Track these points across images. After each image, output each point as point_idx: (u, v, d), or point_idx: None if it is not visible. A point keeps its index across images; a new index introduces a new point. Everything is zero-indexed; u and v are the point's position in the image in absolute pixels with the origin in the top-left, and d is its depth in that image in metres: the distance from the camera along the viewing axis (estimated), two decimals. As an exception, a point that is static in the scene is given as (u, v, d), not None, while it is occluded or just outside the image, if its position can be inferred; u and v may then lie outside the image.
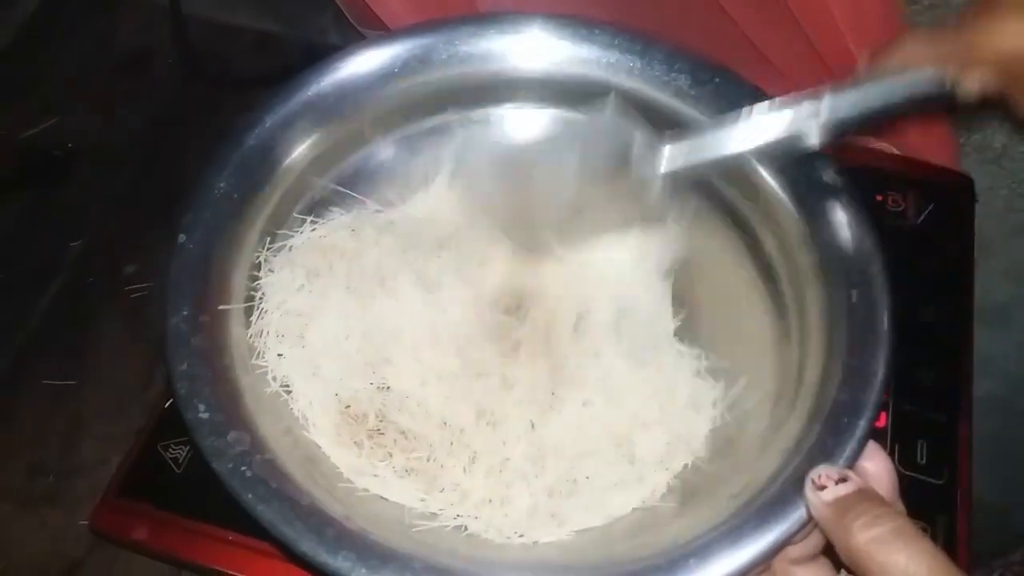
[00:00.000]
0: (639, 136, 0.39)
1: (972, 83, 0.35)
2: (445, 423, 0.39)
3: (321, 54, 0.43)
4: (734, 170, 0.42)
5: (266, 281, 0.41)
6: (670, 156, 0.39)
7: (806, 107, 0.37)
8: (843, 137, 0.37)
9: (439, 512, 0.37)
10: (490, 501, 0.37)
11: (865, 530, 0.28)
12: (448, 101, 0.46)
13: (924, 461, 0.44)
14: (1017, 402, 0.77)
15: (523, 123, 0.47)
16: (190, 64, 0.66)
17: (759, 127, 0.38)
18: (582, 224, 0.43)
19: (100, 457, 0.50)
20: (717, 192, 0.44)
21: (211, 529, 0.42)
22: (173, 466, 0.44)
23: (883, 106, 0.36)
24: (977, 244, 0.53)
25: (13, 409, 0.52)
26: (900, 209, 0.52)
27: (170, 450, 0.44)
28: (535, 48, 0.44)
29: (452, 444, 0.38)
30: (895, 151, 0.56)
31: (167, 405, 0.45)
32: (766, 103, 0.38)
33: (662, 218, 0.43)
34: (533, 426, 0.39)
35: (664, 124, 0.43)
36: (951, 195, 0.54)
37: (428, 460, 0.38)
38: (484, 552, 0.35)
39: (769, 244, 0.42)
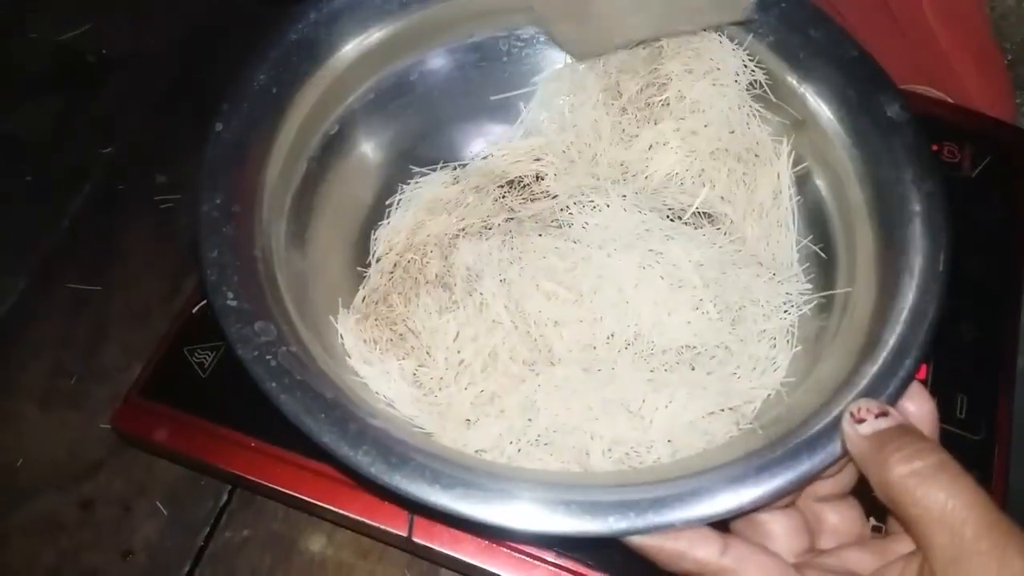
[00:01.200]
0: None
1: None
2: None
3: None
4: (791, 98, 0.41)
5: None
6: None
7: None
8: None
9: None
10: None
11: (904, 463, 0.27)
12: (497, 15, 0.44)
13: (963, 416, 0.43)
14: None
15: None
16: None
17: None
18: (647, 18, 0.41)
19: (122, 363, 0.50)
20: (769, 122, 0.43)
21: (233, 434, 0.41)
22: (199, 370, 0.43)
23: None
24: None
25: (38, 312, 0.51)
26: (956, 160, 0.51)
27: (196, 354, 0.44)
28: None
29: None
30: (951, 101, 0.54)
31: (195, 310, 0.45)
32: None
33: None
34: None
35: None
36: (1009, 150, 0.52)
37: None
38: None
39: (820, 177, 0.41)
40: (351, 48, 0.42)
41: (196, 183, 0.36)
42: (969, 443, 0.42)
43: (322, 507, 0.40)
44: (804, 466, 0.30)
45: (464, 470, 0.30)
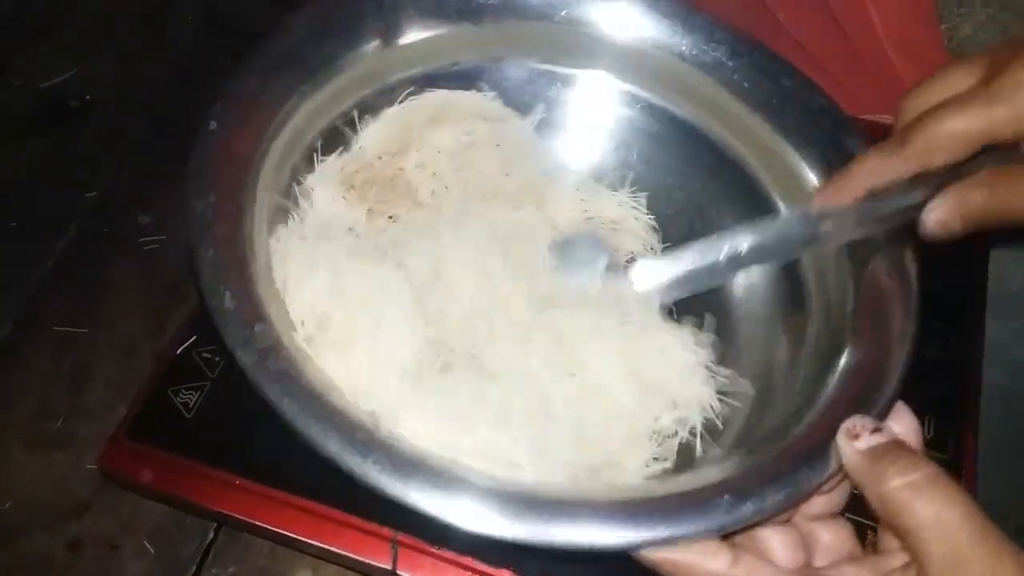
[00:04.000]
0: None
1: (930, 224, 0.34)
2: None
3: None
4: (758, 139, 0.42)
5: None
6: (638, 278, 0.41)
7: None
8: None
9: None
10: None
11: (899, 476, 0.28)
12: (475, 45, 0.46)
13: (931, 435, 0.44)
14: (1020, 391, 0.77)
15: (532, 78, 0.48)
16: (209, 18, 0.66)
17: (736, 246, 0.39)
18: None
19: (108, 403, 0.50)
20: (739, 163, 0.45)
21: (218, 473, 0.42)
22: (183, 410, 0.44)
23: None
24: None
25: (23, 353, 0.52)
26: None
27: (180, 395, 0.45)
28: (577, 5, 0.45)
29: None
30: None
31: (179, 351, 0.46)
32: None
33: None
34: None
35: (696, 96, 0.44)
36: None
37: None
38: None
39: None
40: (340, 62, 0.42)
41: (187, 180, 0.35)
42: (937, 463, 0.43)
43: (307, 543, 0.41)
44: (805, 479, 0.31)
45: (479, 480, 0.30)
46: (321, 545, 0.41)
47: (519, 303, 0.40)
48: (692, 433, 0.39)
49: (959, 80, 0.33)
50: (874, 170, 0.35)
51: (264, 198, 0.38)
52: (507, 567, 0.40)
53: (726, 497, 0.30)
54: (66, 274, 0.55)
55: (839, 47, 0.54)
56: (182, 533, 0.46)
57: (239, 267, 0.33)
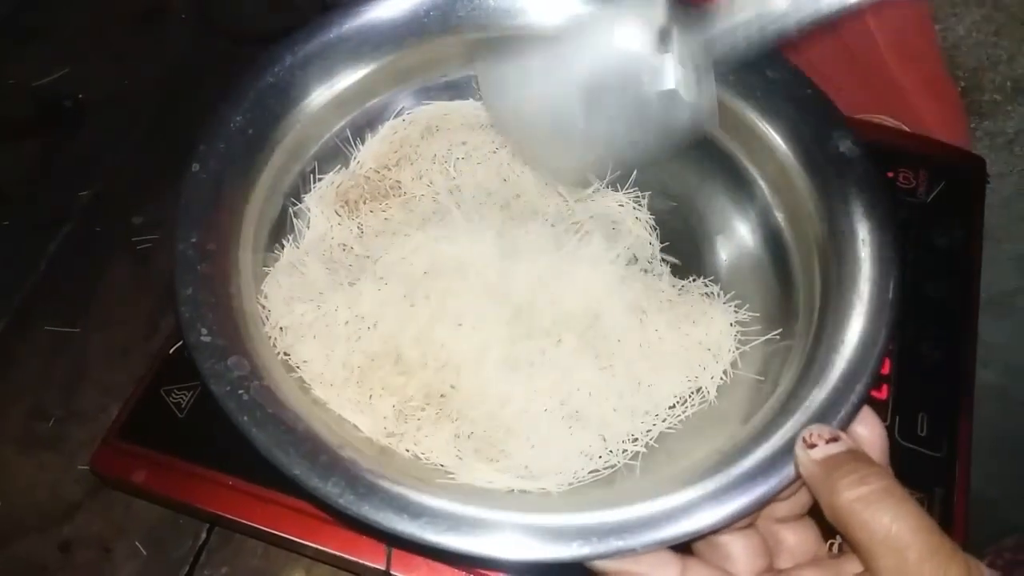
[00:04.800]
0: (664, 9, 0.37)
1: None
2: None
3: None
4: (750, 137, 0.42)
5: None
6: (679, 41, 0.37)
7: None
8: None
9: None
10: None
11: (851, 488, 0.28)
12: (470, 55, 0.46)
13: (924, 433, 0.44)
14: (1015, 392, 0.78)
15: None
16: (204, 18, 0.66)
17: None
18: (615, 150, 0.42)
19: (100, 404, 0.50)
20: (730, 159, 0.45)
21: (211, 474, 0.42)
22: (176, 410, 0.44)
23: None
24: (985, 232, 0.53)
25: (16, 354, 0.52)
26: (911, 186, 0.52)
27: (173, 395, 0.44)
28: (557, 5, 0.45)
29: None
30: (906, 129, 0.56)
31: (172, 351, 0.46)
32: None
33: (712, 113, 0.40)
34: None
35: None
36: (963, 175, 0.54)
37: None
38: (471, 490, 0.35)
39: (780, 212, 0.42)
40: (325, 89, 0.43)
41: (173, 223, 0.37)
42: (931, 460, 0.44)
43: (300, 543, 0.41)
44: (761, 489, 0.31)
45: (431, 498, 0.31)
46: (314, 545, 0.41)
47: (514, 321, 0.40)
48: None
49: None
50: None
51: (251, 231, 0.40)
52: (501, 568, 0.40)
53: (678, 508, 0.31)
54: (59, 274, 0.55)
55: (834, 47, 0.54)
56: (175, 534, 0.46)
57: (218, 303, 0.35)
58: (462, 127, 0.47)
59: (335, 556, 0.41)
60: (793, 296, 0.41)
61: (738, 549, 0.31)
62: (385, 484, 0.31)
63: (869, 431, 0.32)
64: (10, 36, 0.66)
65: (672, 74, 0.37)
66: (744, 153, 0.44)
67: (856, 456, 0.30)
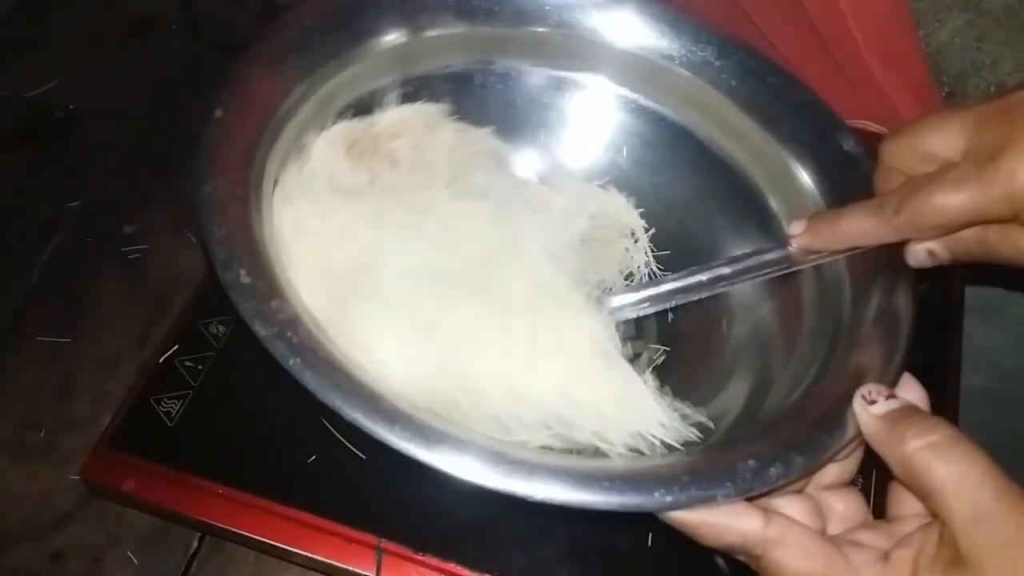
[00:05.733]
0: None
1: (918, 254, 0.35)
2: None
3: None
4: (748, 137, 0.44)
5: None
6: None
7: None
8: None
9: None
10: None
11: (919, 438, 0.29)
12: (476, 47, 0.47)
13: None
14: (1006, 395, 0.78)
15: (542, 83, 0.48)
16: (195, 30, 0.67)
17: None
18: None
19: (92, 414, 0.50)
20: (728, 160, 0.46)
21: (201, 482, 0.42)
22: (166, 419, 0.44)
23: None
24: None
25: (7, 364, 0.52)
26: (895, 191, 0.53)
27: (163, 404, 0.45)
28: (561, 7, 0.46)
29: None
30: (892, 135, 0.57)
31: (162, 360, 0.46)
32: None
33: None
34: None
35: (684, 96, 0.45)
36: (946, 180, 0.54)
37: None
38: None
39: (780, 209, 0.44)
40: (340, 63, 0.42)
41: (195, 165, 0.35)
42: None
43: (291, 551, 0.41)
44: (825, 444, 0.32)
45: (508, 451, 0.30)
46: (305, 553, 0.41)
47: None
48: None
49: (948, 138, 0.33)
50: (862, 233, 0.36)
51: (272, 180, 0.38)
52: (490, 572, 0.40)
53: (751, 462, 0.31)
54: (50, 284, 0.55)
55: (818, 55, 0.55)
56: (166, 543, 0.46)
57: (251, 246, 0.33)
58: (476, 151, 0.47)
59: (325, 563, 0.41)
60: (800, 293, 0.42)
61: (794, 511, 0.32)
62: (454, 432, 0.30)
63: (912, 395, 0.33)
64: (2, 48, 0.66)
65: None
66: (743, 154, 0.45)
67: (916, 409, 0.31)
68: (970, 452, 0.28)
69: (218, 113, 0.37)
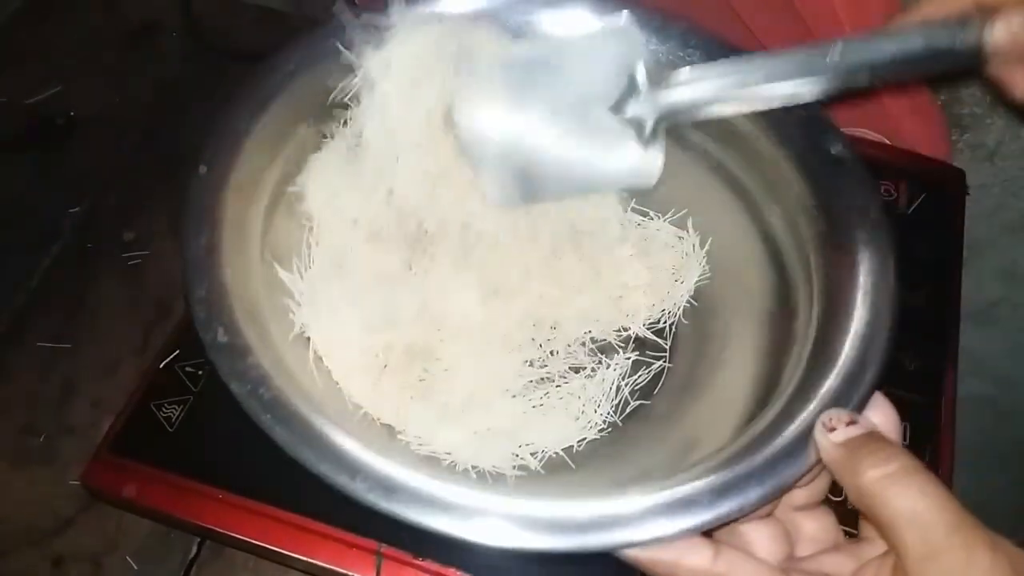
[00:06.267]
0: (643, 62, 0.38)
1: (1000, 32, 0.32)
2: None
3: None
4: (741, 141, 0.43)
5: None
6: (674, 87, 0.38)
7: (818, 51, 0.36)
8: (855, 87, 0.36)
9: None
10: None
11: (874, 468, 0.28)
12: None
13: (906, 443, 0.45)
14: (1003, 402, 0.78)
15: None
16: (195, 37, 0.67)
17: (769, 69, 0.37)
18: (567, 182, 0.42)
19: (92, 419, 0.50)
20: (721, 165, 0.46)
21: (201, 487, 0.42)
22: (166, 425, 0.44)
23: (901, 55, 0.35)
24: (968, 243, 0.54)
25: (7, 370, 0.52)
26: (892, 198, 0.53)
27: (163, 409, 0.45)
28: (557, 18, 0.45)
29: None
30: (887, 142, 0.57)
31: (162, 365, 0.46)
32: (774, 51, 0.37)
33: (651, 176, 0.41)
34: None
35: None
36: (942, 187, 0.54)
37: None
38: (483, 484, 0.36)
39: (773, 213, 0.43)
40: (326, 94, 0.43)
41: (180, 225, 0.37)
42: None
43: (290, 556, 0.41)
44: (783, 475, 0.31)
45: (457, 492, 0.31)
46: (304, 558, 0.41)
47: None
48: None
49: None
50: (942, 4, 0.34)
51: (257, 231, 0.40)
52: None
53: (707, 495, 0.31)
54: (50, 290, 0.55)
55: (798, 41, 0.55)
56: (166, 548, 0.46)
57: (231, 302, 0.35)
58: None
59: (325, 568, 0.41)
60: (791, 296, 0.42)
61: (760, 536, 0.32)
62: (412, 481, 0.32)
63: (882, 417, 0.33)
64: (3, 54, 0.67)
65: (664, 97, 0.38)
66: (737, 159, 0.45)
67: (876, 438, 0.30)
68: (925, 484, 0.27)
69: (202, 169, 0.38)
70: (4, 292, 0.55)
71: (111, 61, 0.67)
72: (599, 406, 0.43)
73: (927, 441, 0.45)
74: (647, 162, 0.39)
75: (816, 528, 0.33)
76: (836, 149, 0.41)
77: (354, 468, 0.32)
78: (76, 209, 0.59)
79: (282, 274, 0.40)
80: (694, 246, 0.47)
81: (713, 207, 0.47)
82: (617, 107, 0.38)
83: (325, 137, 0.44)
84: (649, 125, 0.38)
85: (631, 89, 0.38)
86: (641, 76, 0.38)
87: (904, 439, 0.45)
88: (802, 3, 0.53)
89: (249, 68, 0.42)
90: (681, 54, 0.44)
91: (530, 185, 0.40)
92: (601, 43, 0.39)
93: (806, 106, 0.42)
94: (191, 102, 0.63)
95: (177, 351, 0.47)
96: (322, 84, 0.42)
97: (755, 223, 0.45)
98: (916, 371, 0.47)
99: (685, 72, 0.38)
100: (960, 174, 0.56)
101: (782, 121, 0.43)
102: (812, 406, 0.33)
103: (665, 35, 0.44)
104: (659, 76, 0.38)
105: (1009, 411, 0.79)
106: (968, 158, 0.63)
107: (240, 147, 0.40)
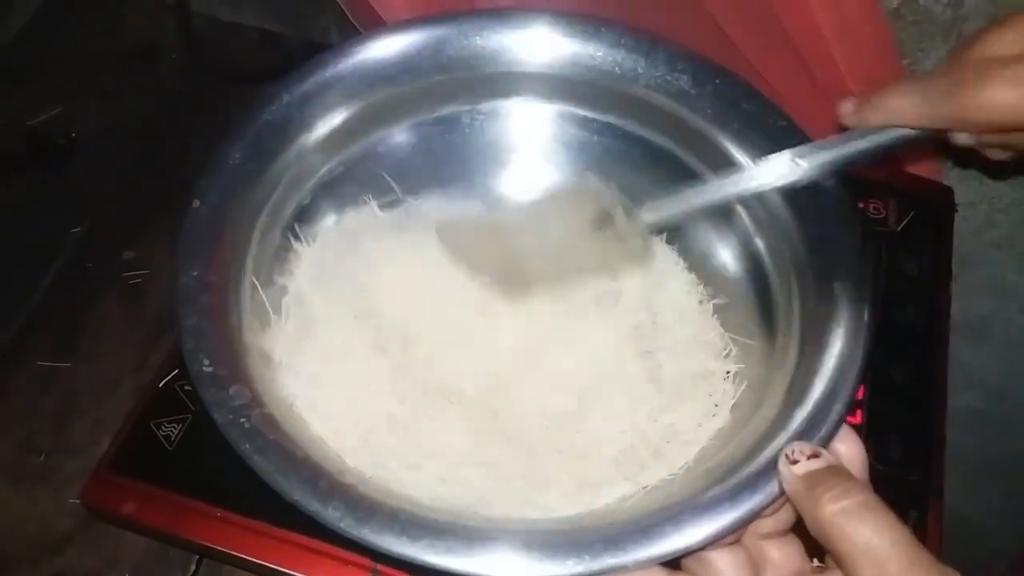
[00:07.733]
0: (619, 203, 0.41)
1: (961, 139, 0.35)
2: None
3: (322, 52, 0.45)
4: (727, 167, 0.44)
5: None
6: (650, 212, 0.42)
7: (785, 161, 0.39)
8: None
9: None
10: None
11: (833, 502, 0.29)
12: (459, 91, 0.47)
13: (897, 458, 0.45)
14: (996, 415, 0.79)
15: (528, 117, 0.49)
16: (195, 58, 0.68)
17: (739, 181, 0.40)
18: (565, 268, 0.44)
19: (91, 438, 0.50)
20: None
21: (201, 506, 0.43)
22: (165, 443, 0.45)
23: (868, 151, 0.38)
24: (957, 258, 0.55)
25: (7, 389, 0.52)
26: (881, 216, 0.54)
27: (162, 427, 0.45)
28: (543, 45, 0.46)
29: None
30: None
31: (161, 384, 0.46)
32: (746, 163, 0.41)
33: (645, 257, 0.45)
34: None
35: (664, 123, 0.46)
36: (931, 204, 0.55)
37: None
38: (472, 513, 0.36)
39: (759, 239, 0.44)
40: (321, 125, 0.44)
41: (174, 256, 0.38)
42: (905, 484, 0.45)
43: (288, 574, 0.42)
44: (747, 505, 0.32)
45: (428, 519, 0.32)
46: None
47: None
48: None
49: (1008, 39, 0.33)
50: (904, 110, 0.35)
51: (251, 263, 0.41)
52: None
53: (668, 525, 0.31)
54: (51, 309, 0.56)
55: (802, 83, 0.56)
56: (164, 566, 0.46)
57: (219, 334, 0.37)
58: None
59: (322, 586, 0.41)
60: (773, 321, 0.42)
61: (726, 564, 0.32)
62: (384, 508, 0.32)
63: (848, 449, 0.33)
64: (5, 75, 0.67)
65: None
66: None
67: (837, 471, 0.31)
68: (880, 520, 0.28)
69: (196, 203, 0.39)
70: (5, 311, 0.55)
71: (112, 82, 0.67)
72: None
73: (917, 456, 0.46)
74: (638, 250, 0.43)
75: (782, 556, 0.33)
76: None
77: (328, 495, 0.32)
78: (76, 229, 0.59)
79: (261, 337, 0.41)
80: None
81: (702, 231, 0.48)
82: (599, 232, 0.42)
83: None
84: (637, 236, 0.42)
85: (609, 224, 0.41)
86: (619, 215, 0.41)
87: (895, 454, 0.45)
88: (799, 39, 0.54)
89: (249, 90, 0.43)
90: (669, 78, 0.45)
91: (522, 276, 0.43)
92: (575, 199, 0.43)
93: (790, 131, 0.44)
94: (191, 123, 0.64)
95: (176, 370, 0.47)
96: (315, 118, 0.44)
97: (743, 249, 0.45)
98: (907, 386, 0.48)
99: (658, 204, 0.42)
100: (949, 192, 0.57)
101: (766, 148, 0.43)
102: (781, 437, 0.34)
103: (653, 58, 0.45)
104: (635, 214, 0.42)
105: (1002, 424, 0.79)
106: (957, 176, 0.64)
107: (234, 181, 0.41)
